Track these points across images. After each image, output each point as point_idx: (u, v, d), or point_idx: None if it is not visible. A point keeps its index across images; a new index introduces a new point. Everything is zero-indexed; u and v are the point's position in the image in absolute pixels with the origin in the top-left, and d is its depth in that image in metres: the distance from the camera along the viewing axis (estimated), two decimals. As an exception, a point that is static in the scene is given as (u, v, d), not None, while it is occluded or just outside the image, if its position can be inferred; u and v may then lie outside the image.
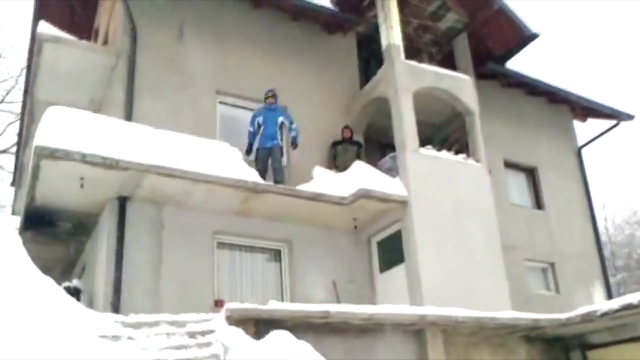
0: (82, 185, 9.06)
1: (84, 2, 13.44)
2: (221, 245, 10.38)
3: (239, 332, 7.02)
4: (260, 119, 11.07)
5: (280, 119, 11.15)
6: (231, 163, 9.97)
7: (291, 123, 11.28)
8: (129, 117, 10.31)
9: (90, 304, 9.17)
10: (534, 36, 13.48)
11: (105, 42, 12.56)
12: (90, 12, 13.83)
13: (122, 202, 9.57)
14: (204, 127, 10.92)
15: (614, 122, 16.04)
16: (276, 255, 10.94)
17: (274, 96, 11.23)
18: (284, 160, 11.45)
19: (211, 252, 10.09)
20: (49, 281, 7.30)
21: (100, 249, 9.57)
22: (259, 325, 7.23)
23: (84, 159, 8.61)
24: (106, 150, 8.82)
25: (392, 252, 11.01)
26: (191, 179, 9.41)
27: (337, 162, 11.81)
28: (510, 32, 13.57)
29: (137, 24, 10.98)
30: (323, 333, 7.71)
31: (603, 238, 18.13)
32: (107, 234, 9.38)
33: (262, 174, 10.54)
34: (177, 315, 7.37)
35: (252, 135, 11.06)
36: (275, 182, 10.63)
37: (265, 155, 10.88)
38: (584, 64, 54.17)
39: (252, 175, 10.02)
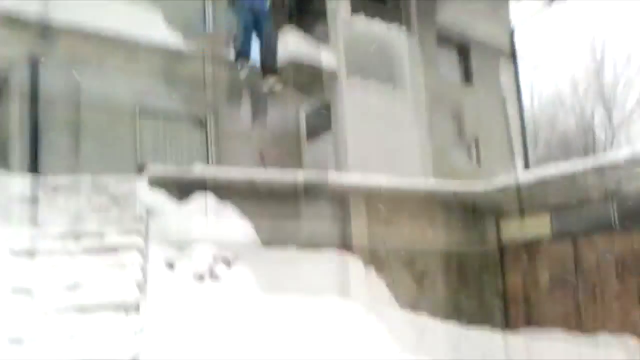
0: (-10, 44, 8.43)
1: None
2: (144, 110, 10.02)
3: (161, 194, 6.99)
4: None
5: None
6: (154, 25, 9.46)
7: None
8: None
9: (6, 166, 8.81)
10: None
11: None
12: None
13: (34, 63, 8.97)
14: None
15: (547, 1, 16.01)
16: (201, 122, 10.70)
17: None
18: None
19: (133, 118, 9.77)
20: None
21: (13, 110, 9.07)
22: (181, 188, 7.20)
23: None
24: (14, 5, 8.14)
25: (320, 122, 11.01)
26: (110, 41, 8.90)
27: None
28: None
29: None
30: (247, 197, 7.77)
31: (527, 115, 18.64)
32: (20, 94, 8.87)
33: (246, 49, 7.68)
34: (98, 177, 7.23)
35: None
36: (268, 47, 7.79)
37: (250, 21, 7.64)
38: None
39: (176, 38, 9.55)
